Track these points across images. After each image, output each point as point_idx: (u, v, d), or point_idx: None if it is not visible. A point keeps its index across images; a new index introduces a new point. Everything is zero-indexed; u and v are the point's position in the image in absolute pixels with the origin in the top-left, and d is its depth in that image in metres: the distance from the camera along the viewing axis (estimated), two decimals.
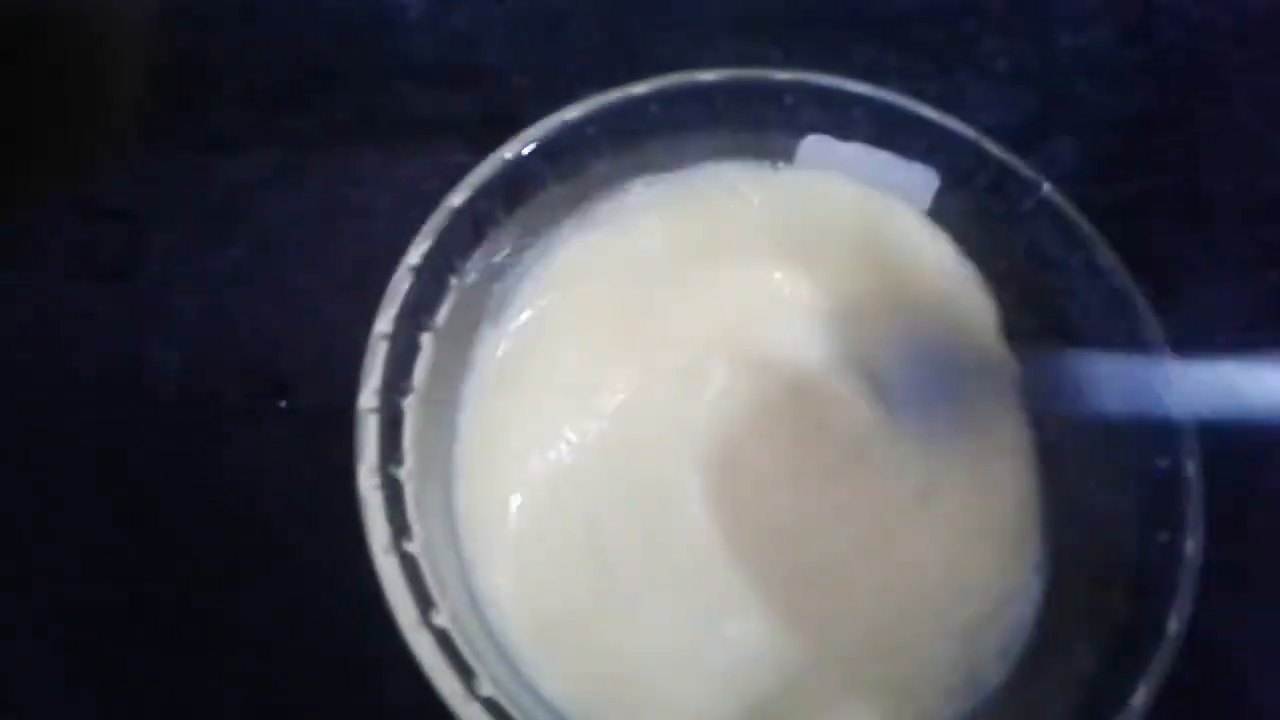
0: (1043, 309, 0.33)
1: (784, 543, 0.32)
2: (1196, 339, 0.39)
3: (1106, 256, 0.31)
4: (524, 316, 0.34)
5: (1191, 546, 0.28)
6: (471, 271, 0.32)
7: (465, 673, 0.26)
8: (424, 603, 0.26)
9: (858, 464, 0.33)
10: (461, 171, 0.32)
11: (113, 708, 0.34)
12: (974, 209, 0.33)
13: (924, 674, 0.31)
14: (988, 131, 0.34)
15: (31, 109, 0.44)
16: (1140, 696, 0.26)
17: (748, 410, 0.33)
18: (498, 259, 0.33)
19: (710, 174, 0.35)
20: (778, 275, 0.35)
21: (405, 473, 0.28)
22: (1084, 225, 0.32)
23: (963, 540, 0.32)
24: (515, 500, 0.31)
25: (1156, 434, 0.30)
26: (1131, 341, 0.31)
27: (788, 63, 0.37)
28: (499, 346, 0.33)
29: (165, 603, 0.35)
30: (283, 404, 0.38)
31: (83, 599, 0.35)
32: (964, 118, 0.34)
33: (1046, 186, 0.32)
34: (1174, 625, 0.27)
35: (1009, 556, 0.32)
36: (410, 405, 0.29)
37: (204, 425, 0.38)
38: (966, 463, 0.33)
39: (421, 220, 0.31)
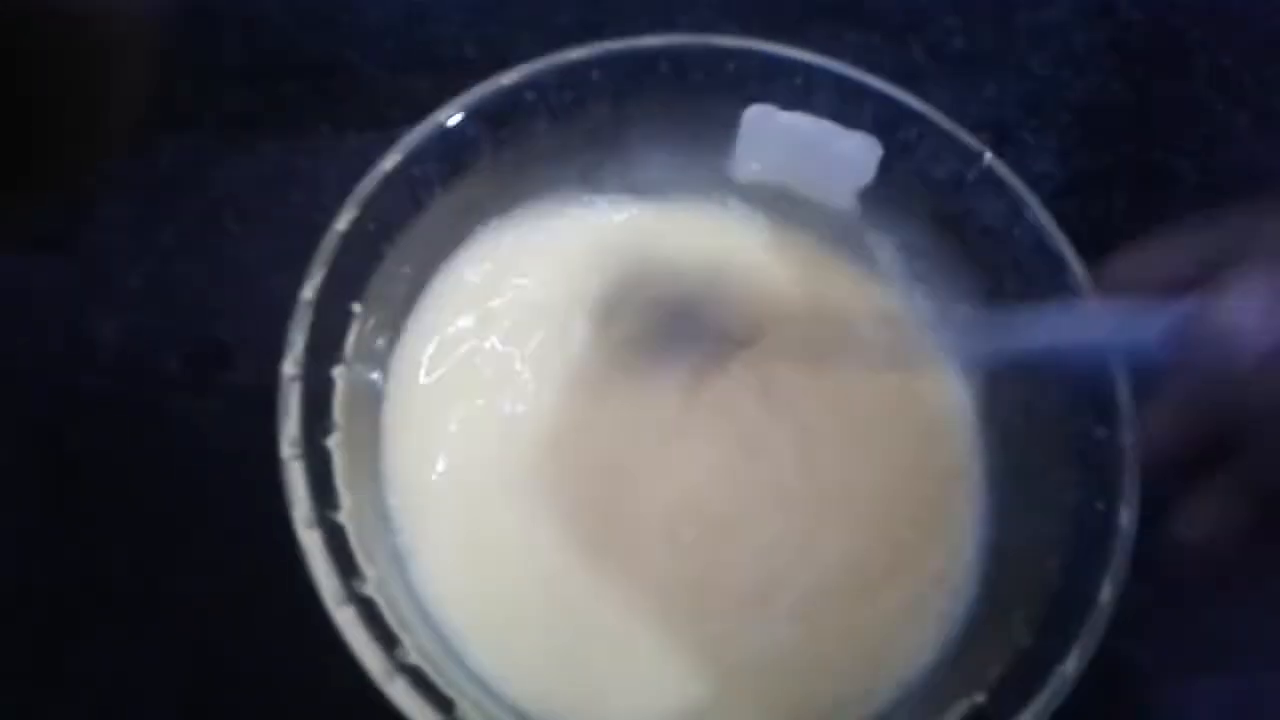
0: (983, 277, 0.33)
1: (713, 526, 0.32)
2: None
3: (1047, 222, 0.31)
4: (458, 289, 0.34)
5: (1127, 516, 0.28)
6: (407, 239, 0.31)
7: (389, 641, 0.25)
8: (349, 573, 0.26)
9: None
10: None
11: (49, 683, 0.34)
12: (916, 178, 0.33)
13: (859, 654, 0.31)
14: (942, 109, 0.33)
15: None
16: (1072, 663, 0.26)
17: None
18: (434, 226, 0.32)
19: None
20: None
21: (335, 441, 0.28)
22: (1026, 192, 0.31)
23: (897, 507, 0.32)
24: (441, 465, 0.31)
25: (1095, 404, 0.29)
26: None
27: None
28: (431, 314, 0.33)
29: (103, 577, 0.35)
30: (225, 375, 0.38)
31: (18, 573, 0.35)
32: (920, 94, 0.34)
33: (988, 156, 0.32)
34: (1106, 594, 0.27)
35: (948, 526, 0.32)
36: (340, 374, 0.29)
37: (144, 397, 0.37)
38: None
39: None
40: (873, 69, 0.34)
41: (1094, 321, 0.30)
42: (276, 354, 0.33)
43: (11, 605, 0.34)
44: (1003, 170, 0.32)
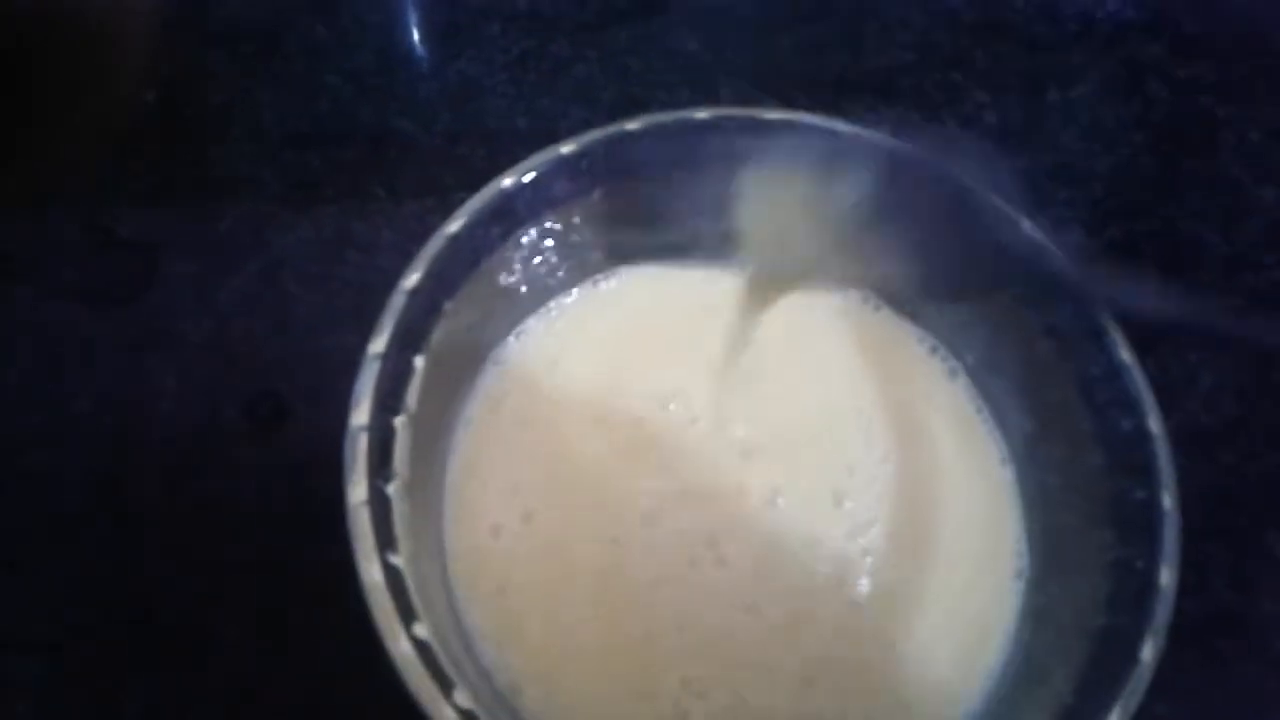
0: (1025, 346, 0.34)
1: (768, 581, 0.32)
2: (1179, 386, 0.41)
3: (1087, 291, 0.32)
4: (522, 345, 0.35)
5: (1167, 576, 0.28)
6: (466, 298, 0.33)
7: (445, 684, 0.26)
8: (407, 614, 0.27)
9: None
10: None
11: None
12: None
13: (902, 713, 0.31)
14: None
15: (46, 123, 0.46)
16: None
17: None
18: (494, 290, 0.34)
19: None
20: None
21: (394, 488, 0.29)
22: (1064, 261, 0.32)
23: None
24: (501, 513, 0.32)
25: (1134, 465, 0.30)
26: (1108, 374, 0.31)
27: None
28: (494, 373, 0.34)
29: (161, 623, 0.36)
30: (282, 428, 0.39)
31: (80, 619, 0.36)
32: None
33: (1026, 224, 0.33)
34: (1148, 653, 0.27)
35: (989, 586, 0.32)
36: (402, 424, 0.30)
37: (203, 448, 0.39)
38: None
39: None
40: (908, 142, 0.35)
41: None
42: (333, 408, 0.34)
43: (72, 644, 0.35)
44: (1039, 236, 0.33)
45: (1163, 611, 0.28)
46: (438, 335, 0.31)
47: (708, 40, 0.50)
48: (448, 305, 0.32)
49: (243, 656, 0.35)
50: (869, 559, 0.33)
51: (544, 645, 0.31)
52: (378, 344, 0.29)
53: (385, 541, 0.27)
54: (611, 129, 0.33)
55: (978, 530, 0.34)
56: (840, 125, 0.34)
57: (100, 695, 0.35)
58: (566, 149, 0.33)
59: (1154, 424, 0.30)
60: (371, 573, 0.26)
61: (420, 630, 0.26)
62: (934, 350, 0.37)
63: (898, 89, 0.49)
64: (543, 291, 0.36)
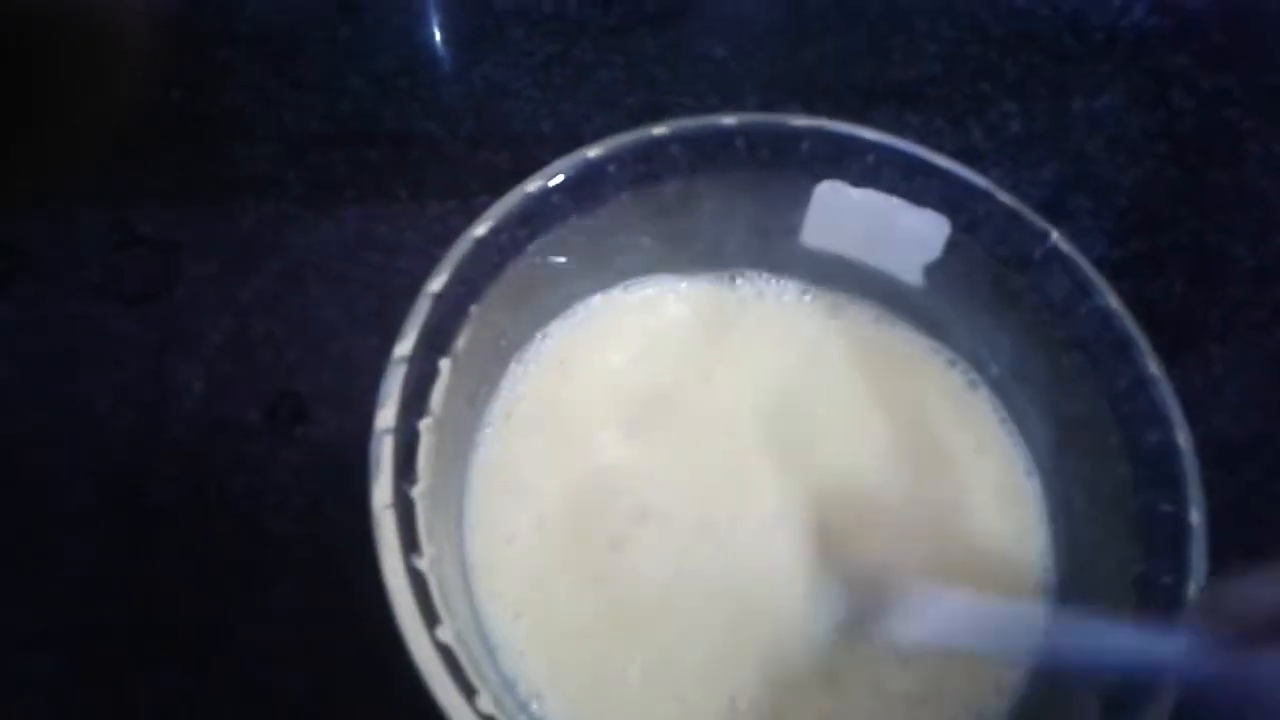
0: (1051, 358, 0.34)
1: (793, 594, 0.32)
2: (1206, 399, 0.41)
3: (1115, 303, 0.32)
4: (545, 350, 0.35)
5: (1194, 591, 0.28)
6: (492, 301, 0.33)
7: (468, 689, 0.26)
8: (430, 618, 0.26)
9: None
10: None
11: (120, 715, 0.35)
12: (983, 256, 0.34)
13: None
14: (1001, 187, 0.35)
15: (68, 123, 0.46)
16: None
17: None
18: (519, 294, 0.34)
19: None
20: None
21: (418, 492, 0.29)
22: (1092, 273, 0.32)
23: None
24: (524, 519, 0.32)
25: (1160, 479, 0.30)
26: (1135, 386, 0.31)
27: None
28: (517, 377, 0.34)
29: (178, 621, 0.36)
30: (302, 429, 0.39)
31: (99, 617, 0.36)
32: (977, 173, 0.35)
33: (1054, 235, 0.33)
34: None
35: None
36: (426, 427, 0.30)
37: (224, 447, 0.39)
38: None
39: None
40: (934, 150, 0.35)
41: (1173, 647, 0.26)
42: (353, 408, 0.34)
43: (88, 642, 0.35)
44: (1069, 249, 0.33)
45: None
46: (463, 339, 0.31)
47: (734, 48, 0.50)
48: (473, 309, 0.32)
49: (259, 655, 0.35)
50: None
51: (565, 654, 0.30)
52: (403, 347, 0.29)
53: (410, 545, 0.27)
54: (639, 133, 0.33)
55: (1002, 544, 0.34)
56: (869, 133, 0.34)
57: (115, 693, 0.35)
58: (593, 153, 0.33)
59: (1182, 438, 0.30)
60: (396, 576, 0.26)
61: (443, 634, 0.26)
62: (952, 364, 0.37)
63: (925, 98, 0.49)
64: (567, 297, 0.36)
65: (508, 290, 0.33)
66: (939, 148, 0.35)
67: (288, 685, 0.34)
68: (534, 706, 0.30)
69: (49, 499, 0.38)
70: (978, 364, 0.37)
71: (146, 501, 0.38)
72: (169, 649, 0.35)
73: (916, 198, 0.34)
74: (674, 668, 0.31)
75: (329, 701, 0.34)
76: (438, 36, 0.51)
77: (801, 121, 0.34)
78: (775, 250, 0.37)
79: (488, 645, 0.30)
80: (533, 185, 0.32)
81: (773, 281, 0.38)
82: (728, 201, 0.35)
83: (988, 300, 0.35)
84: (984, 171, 0.34)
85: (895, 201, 0.34)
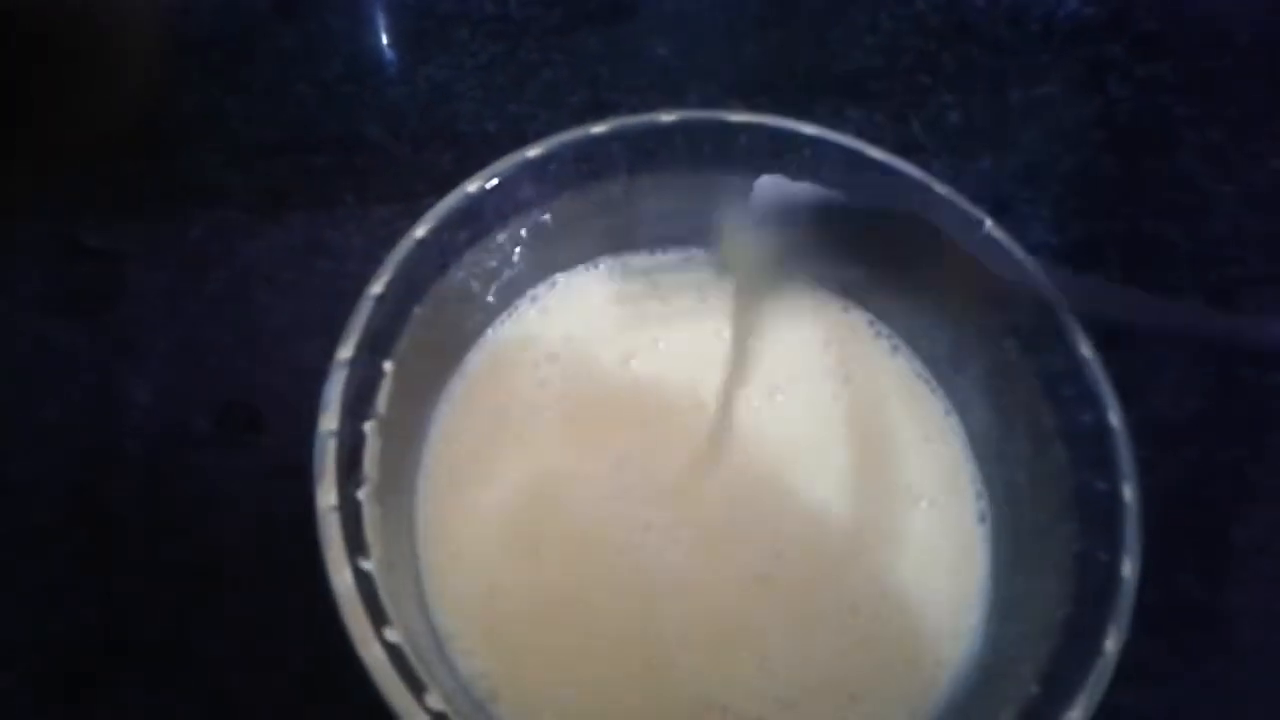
0: (988, 344, 0.34)
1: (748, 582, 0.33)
2: (1145, 382, 0.41)
3: (1049, 290, 0.32)
4: (487, 349, 0.35)
5: (1130, 567, 0.29)
6: (435, 302, 0.33)
7: (417, 687, 0.26)
8: (378, 618, 0.27)
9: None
10: None
11: None
12: (922, 245, 0.35)
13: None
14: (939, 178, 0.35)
15: (11, 134, 0.46)
16: (1078, 712, 0.26)
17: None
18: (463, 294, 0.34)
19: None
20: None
21: (365, 494, 0.29)
22: (1026, 259, 0.33)
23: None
24: (472, 519, 0.32)
25: (1096, 459, 0.30)
26: (1070, 370, 0.32)
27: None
28: (464, 376, 0.35)
29: (132, 632, 0.36)
30: (254, 436, 0.39)
31: (51, 630, 0.36)
32: (919, 167, 0.35)
33: (989, 223, 0.33)
34: (1111, 644, 0.27)
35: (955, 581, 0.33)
36: (372, 429, 0.30)
37: (174, 456, 0.39)
38: None
39: None
40: (874, 143, 0.35)
41: None
42: (304, 415, 0.34)
43: (42, 657, 0.35)
44: (1002, 236, 0.33)
45: (1125, 602, 0.28)
46: (406, 340, 0.31)
47: (676, 45, 0.51)
48: (416, 310, 0.32)
49: (217, 665, 0.35)
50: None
51: (519, 653, 0.31)
52: (345, 349, 0.29)
53: (355, 546, 0.27)
54: (578, 132, 0.34)
55: (945, 528, 0.34)
56: (806, 127, 0.35)
57: (72, 709, 0.34)
58: (533, 153, 0.33)
59: (1114, 418, 0.30)
60: (342, 578, 0.26)
61: (392, 634, 0.27)
62: (896, 349, 0.38)
63: (865, 91, 0.49)
64: (511, 294, 0.37)
65: (450, 291, 0.33)
66: (879, 141, 0.35)
67: (247, 694, 0.34)
68: (490, 706, 0.30)
69: None
70: (919, 351, 0.37)
71: (99, 514, 0.38)
72: (125, 661, 0.35)
73: (853, 190, 0.35)
74: (630, 665, 0.31)
75: (289, 709, 0.34)
76: (383, 40, 0.51)
77: (739, 117, 0.35)
78: (717, 242, 0.37)
79: (442, 646, 0.30)
80: (473, 185, 0.33)
81: (716, 272, 0.38)
82: (668, 196, 0.36)
83: (928, 289, 0.36)
84: (925, 164, 0.35)
85: (832, 194, 0.35)
